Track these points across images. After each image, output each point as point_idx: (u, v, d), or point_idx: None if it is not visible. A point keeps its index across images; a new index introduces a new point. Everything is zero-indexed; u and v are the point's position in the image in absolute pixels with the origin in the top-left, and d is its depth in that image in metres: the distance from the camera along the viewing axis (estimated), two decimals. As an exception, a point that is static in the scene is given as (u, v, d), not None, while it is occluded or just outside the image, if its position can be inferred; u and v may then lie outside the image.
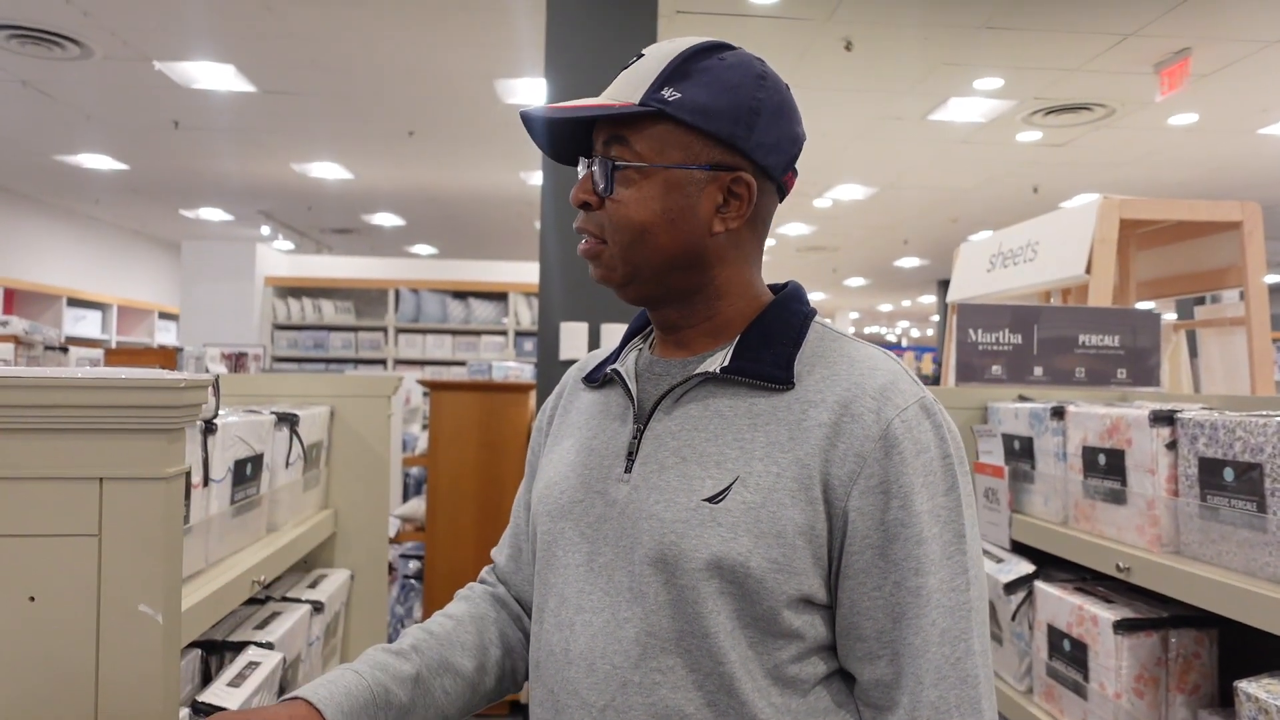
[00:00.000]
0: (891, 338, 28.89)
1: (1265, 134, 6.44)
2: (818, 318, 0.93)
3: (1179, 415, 1.37)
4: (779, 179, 0.90)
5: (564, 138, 0.92)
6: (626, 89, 0.87)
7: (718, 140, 0.85)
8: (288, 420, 1.64)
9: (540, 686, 0.90)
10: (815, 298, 18.26)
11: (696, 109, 0.84)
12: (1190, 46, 4.80)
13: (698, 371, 0.88)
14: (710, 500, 0.82)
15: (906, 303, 19.14)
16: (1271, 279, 12.84)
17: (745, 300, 0.92)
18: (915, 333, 27.12)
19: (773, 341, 0.88)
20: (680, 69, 0.85)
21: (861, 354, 0.88)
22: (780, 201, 0.94)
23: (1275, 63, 5.06)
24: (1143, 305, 3.57)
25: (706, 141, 0.85)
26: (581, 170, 0.91)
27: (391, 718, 0.88)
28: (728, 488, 0.82)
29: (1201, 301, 5.88)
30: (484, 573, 1.11)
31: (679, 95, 0.84)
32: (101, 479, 0.83)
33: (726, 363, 0.87)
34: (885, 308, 20.70)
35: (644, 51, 0.89)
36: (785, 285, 0.95)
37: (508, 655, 1.01)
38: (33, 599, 0.82)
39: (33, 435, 0.82)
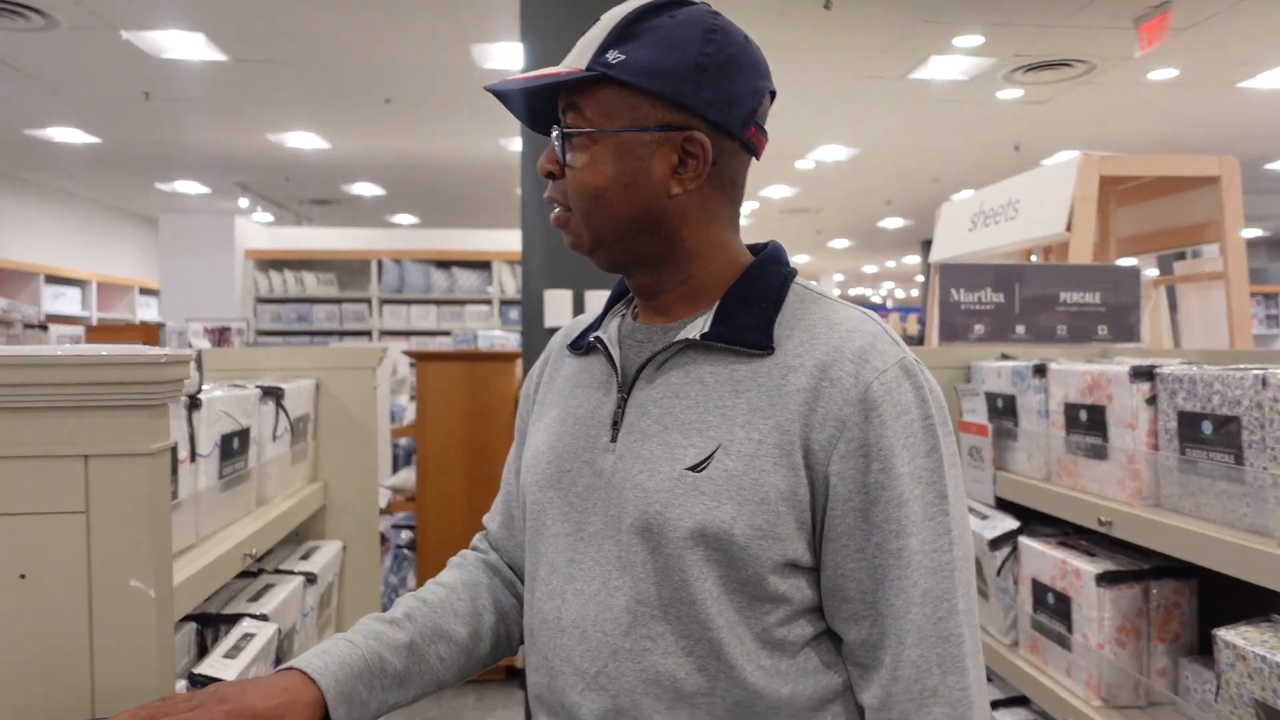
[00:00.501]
0: (876, 299, 28.96)
1: (1245, 88, 6.45)
2: (798, 278, 0.92)
3: (1158, 370, 1.38)
4: (740, 135, 0.87)
5: (539, 108, 0.91)
6: (577, 55, 0.86)
7: (664, 100, 0.83)
8: (273, 394, 1.63)
9: (535, 653, 0.91)
10: (799, 260, 18.24)
11: (640, 69, 0.83)
12: (1170, 0, 4.78)
13: (679, 338, 0.88)
14: (693, 469, 0.82)
15: (891, 263, 19.17)
16: (1251, 233, 12.90)
17: (721, 262, 0.91)
18: (900, 293, 27.19)
19: (752, 305, 0.88)
20: (627, 30, 0.84)
21: (841, 315, 0.87)
22: (754, 159, 0.92)
23: (1255, 16, 5.05)
24: (1125, 261, 3.59)
25: (654, 102, 0.84)
26: (553, 138, 0.90)
27: (387, 685, 0.89)
28: (710, 455, 0.82)
29: (1182, 257, 5.91)
30: (476, 539, 1.12)
31: (623, 57, 0.83)
32: (87, 456, 0.82)
33: (706, 329, 0.87)
34: (870, 269, 20.72)
35: (602, 16, 0.88)
36: (765, 245, 0.95)
37: (501, 620, 1.02)
38: (23, 577, 0.82)
39: (17, 414, 0.81)
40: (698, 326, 0.88)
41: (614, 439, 0.89)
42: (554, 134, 0.88)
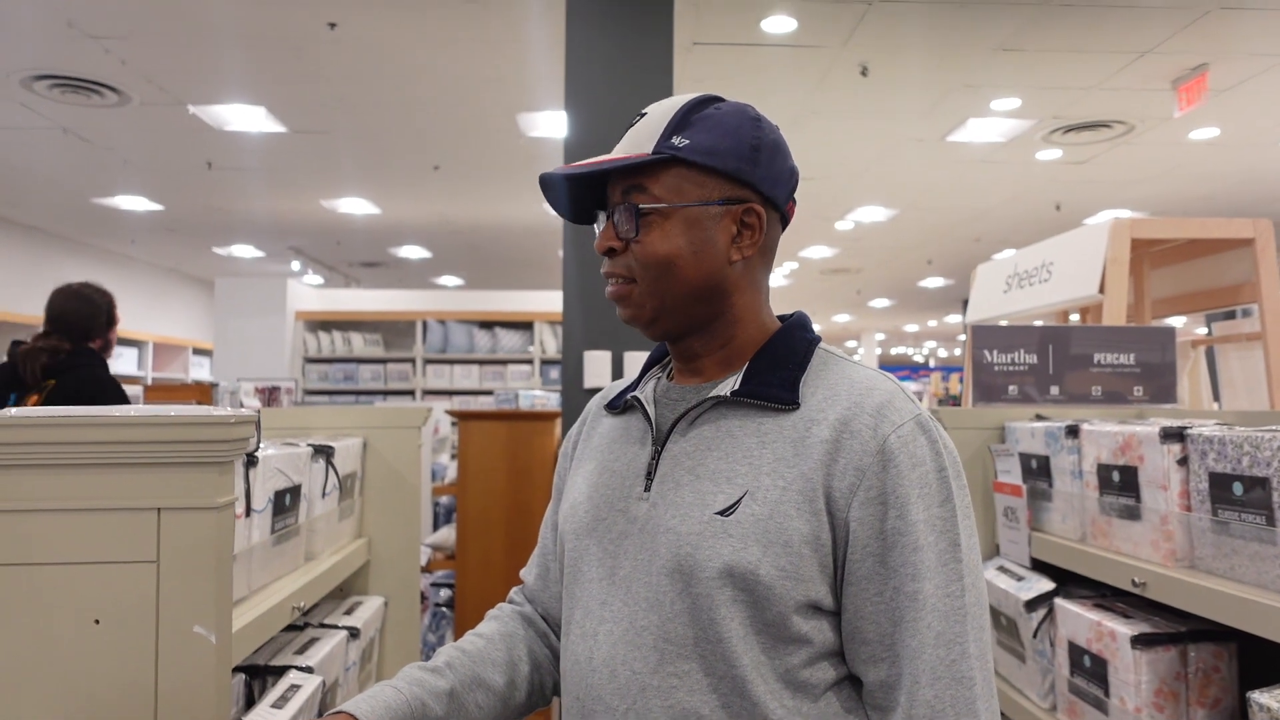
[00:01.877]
0: (919, 358, 28.71)
1: (1288, 146, 6.41)
2: (821, 344, 1.00)
3: (1188, 431, 1.40)
4: (782, 209, 0.99)
5: (578, 198, 1.01)
6: (637, 143, 0.95)
7: (727, 176, 0.94)
8: (324, 452, 1.70)
9: (568, 694, 0.96)
10: (840, 319, 18.22)
11: (705, 150, 0.93)
12: (1207, 62, 4.82)
13: (711, 395, 0.95)
14: (722, 513, 0.88)
15: (933, 323, 19.06)
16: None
17: (756, 327, 0.99)
18: (943, 352, 26.93)
19: (779, 366, 0.95)
20: (684, 120, 0.94)
21: (860, 375, 0.94)
22: (783, 230, 1.02)
23: (1294, 76, 5.06)
24: (1174, 321, 3.57)
25: (717, 179, 0.94)
26: (600, 223, 0.99)
27: None
28: (738, 501, 0.88)
29: (1232, 316, 5.84)
30: (513, 593, 1.17)
31: (688, 141, 0.93)
32: (159, 509, 0.89)
33: (737, 386, 0.94)
34: (911, 328, 20.61)
35: (645, 111, 0.98)
36: (792, 315, 1.03)
37: (536, 670, 1.06)
38: (98, 622, 0.88)
39: (96, 469, 0.88)
40: (729, 385, 0.95)
41: (648, 488, 0.95)
42: (612, 214, 0.96)
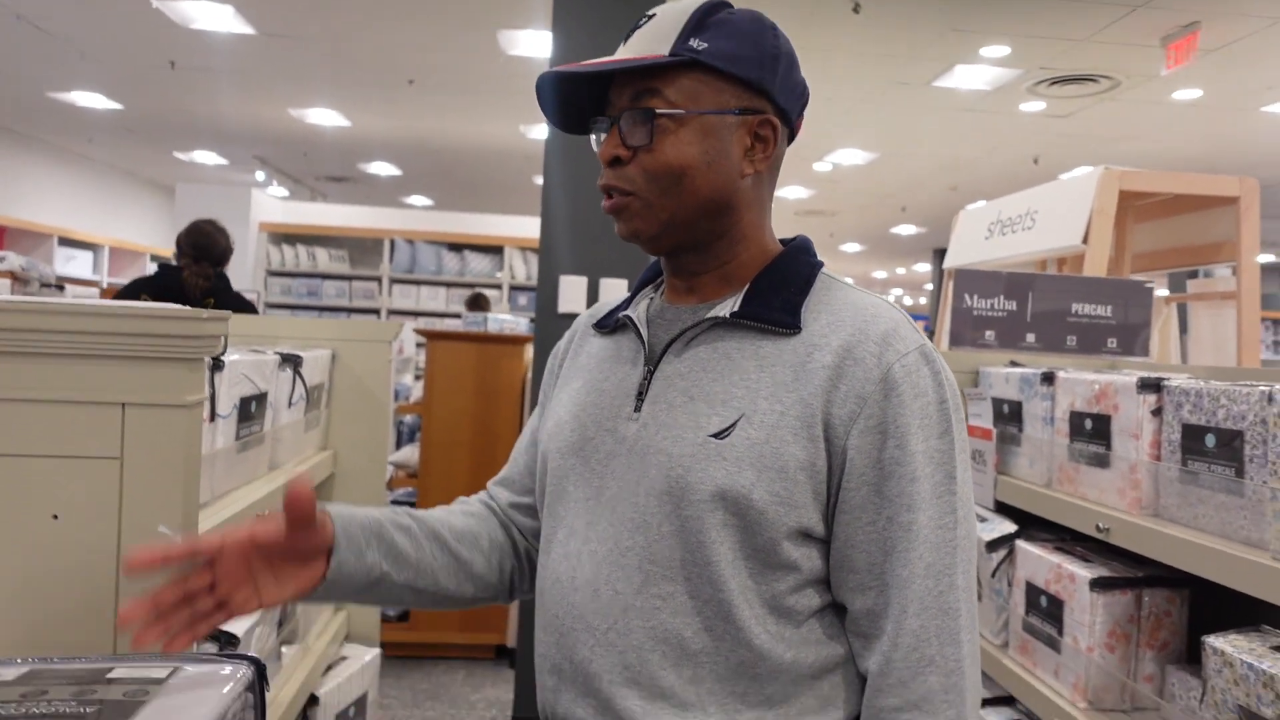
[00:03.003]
0: (885, 305, 28.95)
1: (1268, 112, 6.44)
2: (824, 269, 0.97)
3: (1166, 383, 1.41)
4: (794, 124, 0.96)
5: (573, 103, 0.95)
6: (650, 44, 0.90)
7: (747, 84, 0.90)
8: (291, 361, 1.66)
9: (545, 613, 0.95)
10: (810, 263, 18.21)
11: (726, 55, 0.89)
12: (1199, 20, 4.78)
13: (709, 316, 0.92)
14: (716, 436, 0.86)
15: (901, 270, 19.16)
16: (1265, 258, 12.85)
17: (758, 248, 0.96)
18: (908, 300, 27.17)
19: (782, 289, 0.92)
20: (701, 23, 0.90)
21: (866, 302, 0.92)
22: (788, 145, 0.99)
23: (1282, 40, 5.04)
24: (1137, 278, 3.59)
25: (736, 87, 0.90)
26: (602, 130, 0.93)
27: (384, 551, 0.94)
28: (733, 424, 0.86)
29: (1195, 276, 5.92)
30: (478, 495, 1.15)
31: (706, 45, 0.88)
32: (124, 404, 0.85)
33: (737, 308, 0.91)
34: (880, 274, 20.71)
35: (654, 11, 0.93)
36: (795, 238, 1.00)
37: (495, 550, 1.05)
38: (56, 517, 0.85)
39: (59, 360, 0.84)
40: (728, 306, 0.92)
41: (637, 409, 0.92)
42: (617, 121, 0.90)
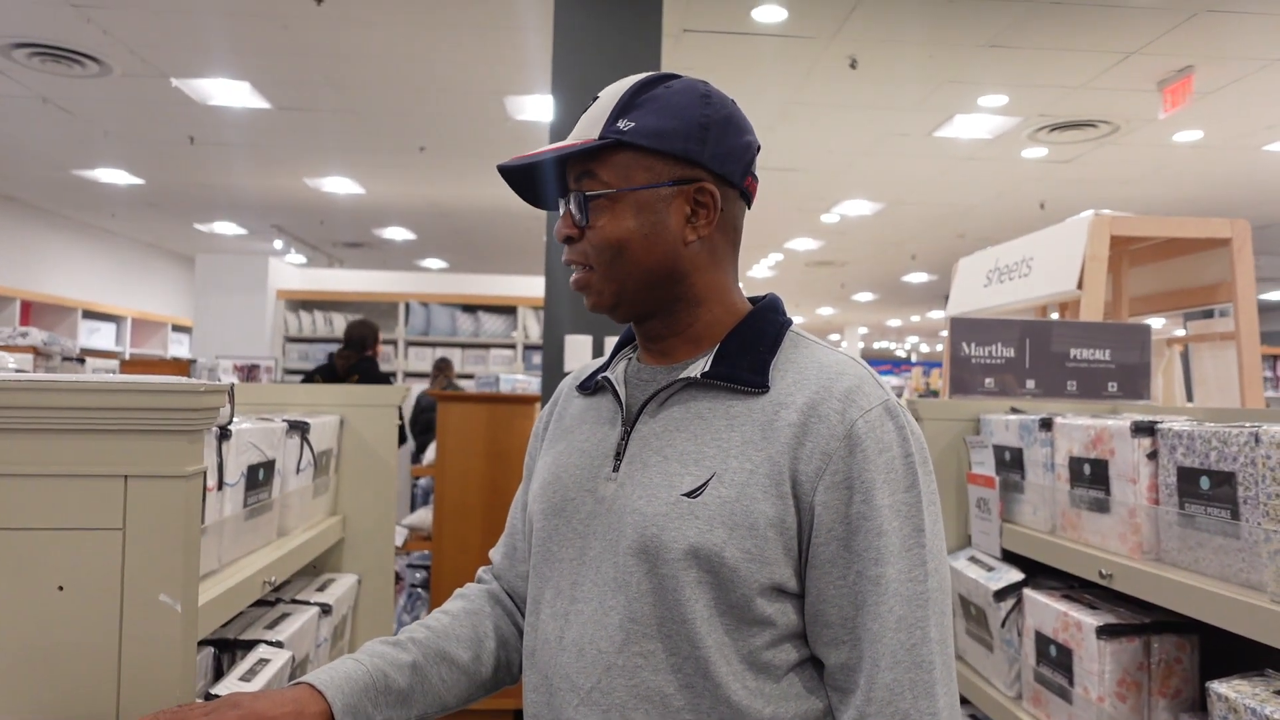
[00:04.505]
0: (901, 353, 28.86)
1: (1270, 150, 6.48)
2: (794, 327, 0.99)
3: (1159, 426, 1.41)
4: (740, 185, 0.97)
5: (541, 186, 1.00)
6: (587, 128, 0.94)
7: (675, 157, 0.93)
8: (299, 428, 1.69)
9: (534, 672, 0.96)
10: (824, 312, 18.28)
11: (650, 132, 0.92)
12: (1193, 65, 4.86)
13: (680, 377, 0.95)
14: (689, 495, 0.88)
15: (915, 318, 19.16)
16: (1272, 296, 12.75)
17: (723, 308, 0.98)
18: (925, 348, 27.09)
19: (749, 349, 0.95)
20: (630, 102, 0.94)
21: (830, 359, 0.94)
22: (748, 207, 1.01)
23: (1277, 81, 5.10)
24: (1154, 321, 3.60)
25: (665, 160, 0.93)
26: (561, 209, 0.98)
27: (391, 701, 0.93)
28: (705, 483, 0.88)
29: (1210, 315, 5.91)
30: (481, 572, 1.17)
31: (633, 124, 0.92)
32: (126, 476, 0.88)
33: (707, 368, 0.94)
34: (894, 323, 20.71)
35: (599, 94, 0.97)
36: (764, 297, 1.02)
37: (502, 647, 1.06)
38: (61, 588, 0.88)
39: (64, 435, 0.87)
40: (699, 366, 0.95)
41: (616, 469, 0.95)
42: (570, 201, 0.95)
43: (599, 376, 1.03)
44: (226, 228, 10.30)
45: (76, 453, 0.88)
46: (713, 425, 0.91)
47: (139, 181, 8.13)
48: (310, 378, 5.21)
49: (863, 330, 22.59)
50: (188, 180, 8.07)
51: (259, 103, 5.77)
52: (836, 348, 0.97)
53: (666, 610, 0.87)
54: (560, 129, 3.22)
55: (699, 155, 0.93)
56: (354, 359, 4.95)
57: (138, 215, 9.78)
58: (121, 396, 0.87)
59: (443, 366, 7.07)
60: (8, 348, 3.43)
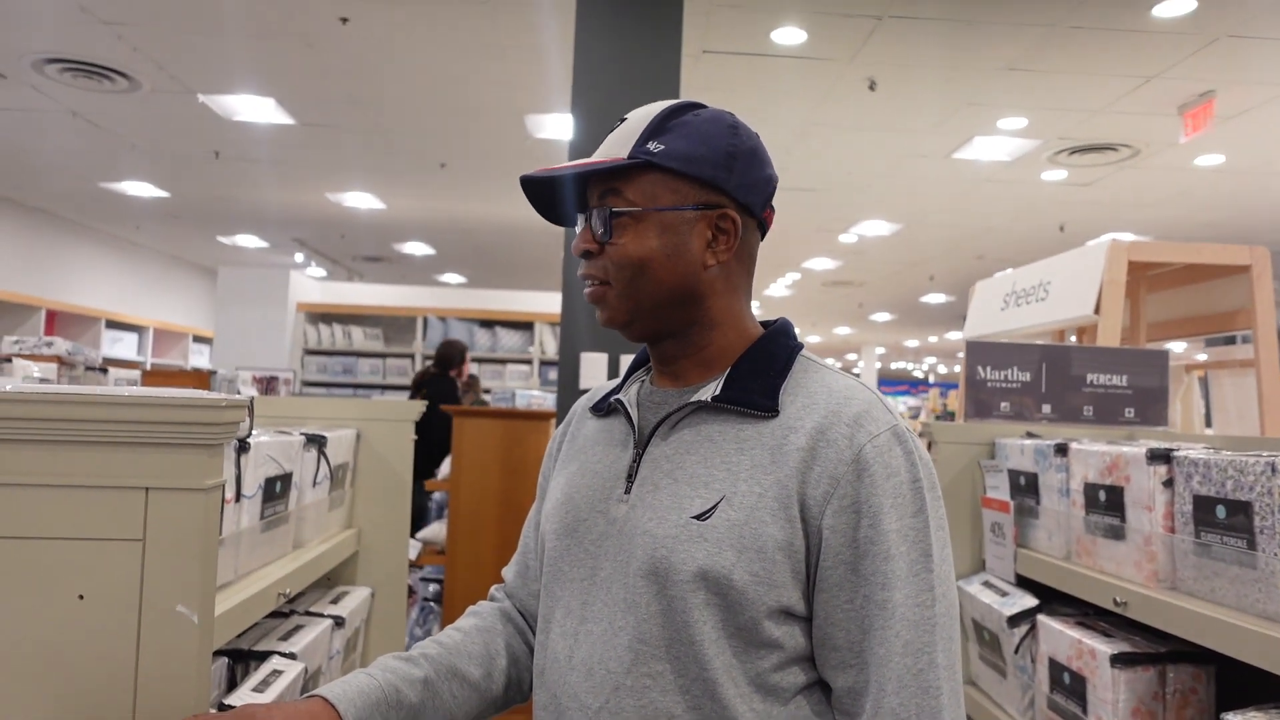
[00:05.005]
0: (919, 373, 28.70)
1: (1293, 176, 6.43)
2: (804, 351, 1.00)
3: (1175, 453, 1.40)
4: (759, 216, 1.00)
5: (560, 200, 1.02)
6: (615, 147, 0.96)
7: (702, 183, 0.95)
8: (316, 441, 1.71)
9: (544, 691, 0.96)
10: (841, 332, 18.22)
11: (680, 156, 0.94)
12: (1214, 89, 4.84)
13: (692, 400, 0.96)
14: (698, 518, 0.89)
15: (933, 339, 19.07)
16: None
17: (736, 332, 1.00)
18: (943, 369, 26.94)
19: (761, 373, 0.95)
20: (660, 126, 0.96)
21: (840, 384, 0.95)
22: (762, 238, 1.03)
23: (1300, 106, 5.07)
24: (1174, 346, 3.58)
25: (692, 185, 0.95)
26: (580, 225, 1.00)
27: (402, 716, 0.94)
28: (714, 506, 0.89)
29: (1232, 341, 5.86)
30: (493, 590, 1.18)
31: (663, 147, 0.94)
32: (148, 488, 0.90)
33: (718, 392, 0.95)
34: (912, 343, 20.62)
35: (626, 116, 0.99)
36: (775, 321, 1.03)
37: (513, 664, 1.07)
38: (82, 597, 0.89)
39: (86, 447, 0.89)
40: (709, 390, 0.96)
41: (628, 491, 0.95)
42: (592, 215, 0.97)
43: (612, 399, 1.04)
44: (249, 240, 10.42)
45: (98, 464, 0.90)
46: (723, 449, 0.92)
47: (164, 194, 8.25)
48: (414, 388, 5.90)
49: (880, 350, 22.50)
50: (211, 194, 8.17)
51: (283, 119, 5.85)
52: (847, 373, 0.98)
53: (675, 632, 0.88)
54: (580, 147, 3.25)
55: (725, 183, 0.95)
56: (429, 375, 5.55)
57: (162, 227, 9.91)
58: (144, 410, 0.89)
59: (470, 383, 7.10)
60: (33, 356, 3.48)
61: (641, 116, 0.97)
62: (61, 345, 3.68)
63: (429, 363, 5.85)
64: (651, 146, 0.94)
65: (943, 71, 4.78)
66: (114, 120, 6.04)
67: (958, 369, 24.14)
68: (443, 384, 5.45)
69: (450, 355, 5.66)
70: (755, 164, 0.98)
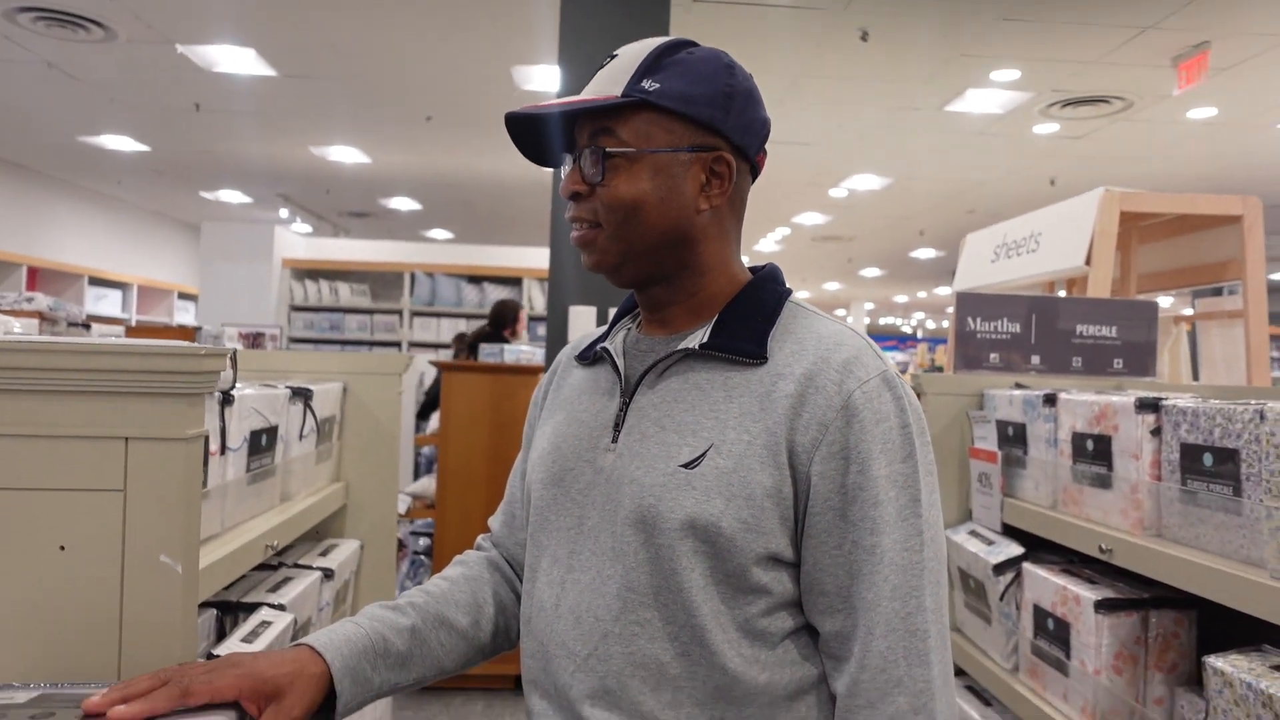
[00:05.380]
0: (907, 329, 28.81)
1: (1285, 129, 6.40)
2: (793, 297, 0.99)
3: (1163, 402, 1.41)
4: (753, 159, 0.97)
5: (544, 139, 0.98)
6: (607, 85, 0.93)
7: (698, 123, 0.92)
8: (302, 394, 1.70)
9: (531, 639, 0.96)
10: (830, 287, 18.22)
11: (677, 96, 0.91)
12: (1209, 40, 4.79)
13: (679, 348, 0.94)
14: (687, 466, 0.88)
15: (922, 294, 19.09)
16: (1282, 275, 12.64)
17: (725, 278, 0.98)
18: (931, 324, 27.03)
19: (749, 319, 0.94)
20: (655, 64, 0.92)
21: (829, 330, 0.93)
22: (753, 181, 1.00)
23: (1295, 57, 5.03)
24: (1161, 299, 3.58)
25: (688, 125, 0.92)
26: (566, 166, 0.97)
27: (390, 664, 0.94)
28: (703, 454, 0.88)
29: (1219, 293, 5.89)
30: (480, 539, 1.17)
31: (658, 85, 0.91)
32: (127, 438, 0.89)
33: (705, 339, 0.93)
34: (901, 299, 20.65)
35: (617, 52, 0.96)
36: (764, 267, 1.01)
37: (501, 613, 1.07)
38: (63, 548, 0.88)
39: (66, 397, 0.88)
40: (697, 337, 0.94)
41: (615, 440, 0.95)
42: (583, 156, 0.94)
43: (598, 347, 1.03)
44: (232, 196, 10.28)
45: (78, 414, 0.88)
46: (711, 396, 0.91)
47: (145, 149, 8.11)
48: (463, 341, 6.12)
49: (869, 306, 22.53)
50: (193, 148, 8.04)
51: (265, 70, 5.74)
52: (836, 319, 0.96)
53: (663, 579, 0.87)
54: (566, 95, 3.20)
55: (722, 124, 0.92)
56: (483, 334, 5.62)
57: (144, 182, 9.77)
58: (122, 359, 0.87)
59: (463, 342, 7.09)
60: (13, 312, 3.45)
61: (634, 53, 0.94)
62: (43, 301, 3.63)
63: (483, 323, 5.81)
64: (646, 85, 0.91)
65: (936, 22, 4.71)
66: (91, 72, 5.91)
67: (946, 324, 24.22)
68: (496, 343, 5.52)
69: (504, 314, 5.61)
70: (751, 105, 0.95)
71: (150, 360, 0.88)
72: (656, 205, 0.92)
